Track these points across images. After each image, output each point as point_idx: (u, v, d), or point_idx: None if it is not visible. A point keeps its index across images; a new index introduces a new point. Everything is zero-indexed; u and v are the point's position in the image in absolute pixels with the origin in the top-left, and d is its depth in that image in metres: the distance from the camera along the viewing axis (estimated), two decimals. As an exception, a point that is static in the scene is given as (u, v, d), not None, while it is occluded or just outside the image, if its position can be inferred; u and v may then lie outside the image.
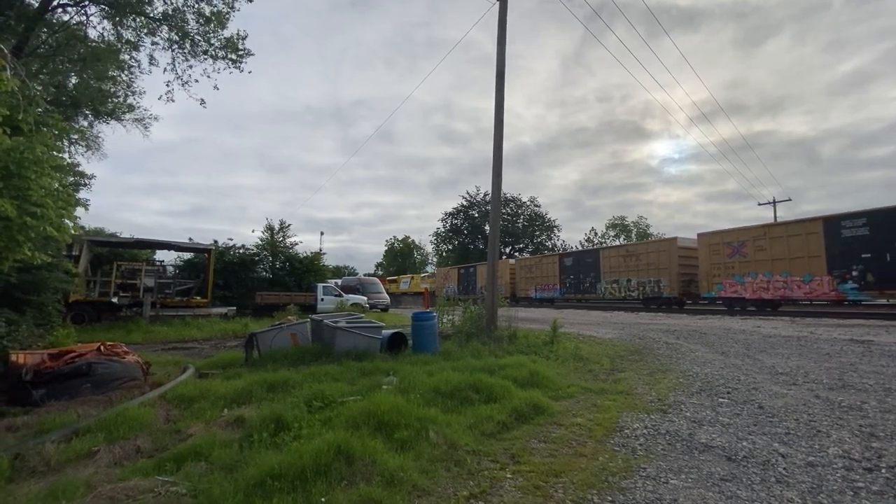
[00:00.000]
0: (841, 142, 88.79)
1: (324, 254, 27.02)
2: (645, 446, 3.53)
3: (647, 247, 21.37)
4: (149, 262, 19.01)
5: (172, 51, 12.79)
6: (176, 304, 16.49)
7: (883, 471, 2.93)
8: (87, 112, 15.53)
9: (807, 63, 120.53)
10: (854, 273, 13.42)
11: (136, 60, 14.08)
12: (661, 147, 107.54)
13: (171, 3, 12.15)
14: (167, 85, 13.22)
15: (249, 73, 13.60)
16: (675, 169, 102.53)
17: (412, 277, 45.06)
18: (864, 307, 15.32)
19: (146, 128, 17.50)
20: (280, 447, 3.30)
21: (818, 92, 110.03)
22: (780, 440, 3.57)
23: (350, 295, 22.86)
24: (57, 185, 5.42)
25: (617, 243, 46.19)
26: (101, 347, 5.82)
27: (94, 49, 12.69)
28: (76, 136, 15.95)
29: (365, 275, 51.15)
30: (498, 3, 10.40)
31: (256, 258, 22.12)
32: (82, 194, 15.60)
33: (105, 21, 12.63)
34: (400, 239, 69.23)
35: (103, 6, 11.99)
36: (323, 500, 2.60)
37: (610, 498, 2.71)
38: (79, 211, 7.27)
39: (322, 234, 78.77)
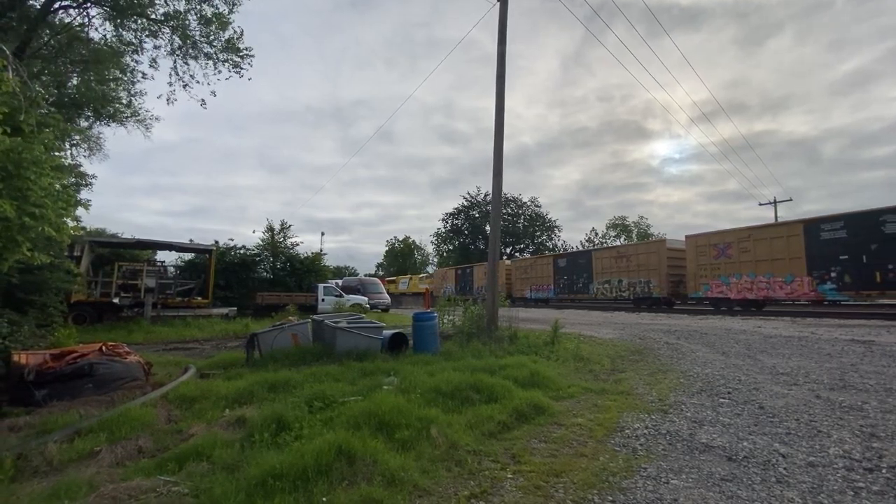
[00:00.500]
0: (842, 141, 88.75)
1: (324, 254, 27.11)
2: (646, 446, 3.54)
3: (637, 248, 22.04)
4: (150, 262, 19.03)
5: (174, 53, 12.83)
6: (177, 304, 16.51)
7: (884, 471, 2.93)
8: (88, 113, 15.56)
9: (808, 62, 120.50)
10: (832, 274, 13.98)
11: (138, 62, 14.13)
12: (662, 147, 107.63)
13: (172, 5, 12.20)
14: (169, 85, 13.28)
15: (250, 79, 13.64)
16: (676, 169, 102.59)
17: (410, 278, 45.53)
18: (864, 307, 15.35)
19: (147, 128, 17.54)
20: (281, 447, 3.31)
21: (819, 91, 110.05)
22: (780, 440, 3.57)
23: (351, 295, 22.87)
24: (58, 186, 5.44)
25: (618, 243, 46.22)
26: (103, 348, 5.83)
27: (95, 51, 12.73)
28: (77, 138, 16.00)
29: (366, 275, 51.21)
30: (498, 3, 10.41)
31: (257, 259, 22.14)
32: (83, 195, 15.69)
33: (107, 23, 12.67)
34: (400, 239, 69.26)
35: (105, 8, 12.02)
36: (324, 499, 2.60)
37: (611, 498, 2.71)
38: (80, 211, 7.30)
39: (323, 234, 78.89)
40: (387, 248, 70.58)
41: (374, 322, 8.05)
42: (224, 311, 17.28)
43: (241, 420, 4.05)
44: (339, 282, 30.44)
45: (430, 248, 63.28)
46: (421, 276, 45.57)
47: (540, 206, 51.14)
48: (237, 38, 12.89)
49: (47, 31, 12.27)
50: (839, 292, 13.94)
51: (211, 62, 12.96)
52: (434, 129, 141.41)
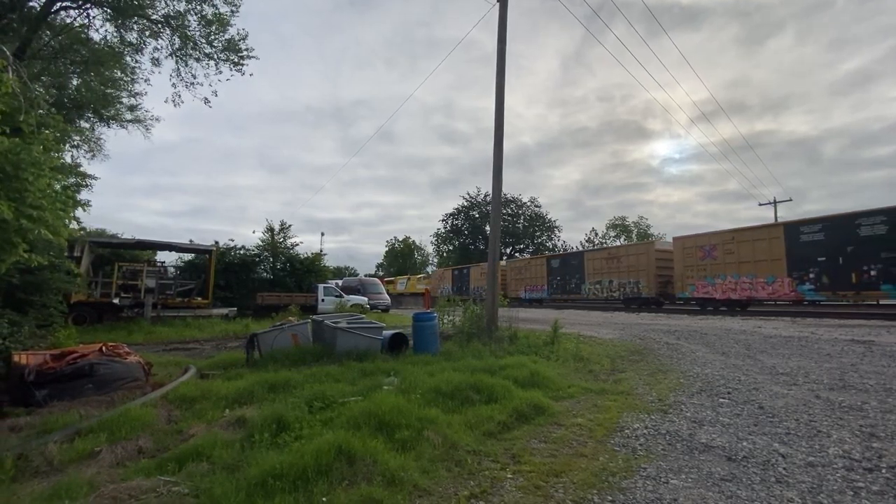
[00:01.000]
0: (842, 141, 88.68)
1: (324, 254, 27.07)
2: (645, 446, 3.54)
3: (627, 250, 22.73)
4: (150, 263, 19.04)
5: (175, 54, 12.84)
6: (177, 304, 16.52)
7: (883, 471, 2.94)
8: (89, 114, 15.58)
9: (809, 62, 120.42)
10: (811, 275, 14.55)
11: (139, 62, 14.15)
12: (662, 147, 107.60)
13: (172, 6, 12.21)
14: (173, 86, 13.31)
15: (251, 75, 13.66)
16: (676, 169, 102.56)
17: (409, 278, 46.13)
18: (864, 307, 15.37)
19: (147, 129, 17.56)
20: (281, 447, 3.32)
21: (820, 91, 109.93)
22: (780, 440, 3.57)
23: (351, 296, 22.87)
24: (57, 187, 5.44)
25: (617, 244, 46.26)
26: (103, 348, 5.83)
27: (96, 51, 12.74)
28: (78, 139, 16.01)
29: (366, 275, 51.21)
30: (498, 3, 10.42)
31: (257, 259, 22.15)
32: (84, 195, 15.60)
33: (108, 23, 12.68)
34: (400, 239, 69.29)
35: (105, 9, 12.03)
36: (324, 499, 2.61)
37: (610, 498, 2.71)
38: (80, 212, 7.27)
39: (322, 234, 78.78)
40: (387, 249, 70.68)
41: (374, 322, 8.06)
42: (224, 311, 17.28)
43: (242, 420, 4.05)
44: (339, 282, 30.45)
45: (430, 249, 63.38)
46: (419, 276, 46.30)
47: (540, 207, 51.22)
48: (239, 40, 12.91)
49: (48, 32, 12.28)
50: (817, 292, 14.50)
51: (212, 62, 12.99)
52: (434, 129, 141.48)
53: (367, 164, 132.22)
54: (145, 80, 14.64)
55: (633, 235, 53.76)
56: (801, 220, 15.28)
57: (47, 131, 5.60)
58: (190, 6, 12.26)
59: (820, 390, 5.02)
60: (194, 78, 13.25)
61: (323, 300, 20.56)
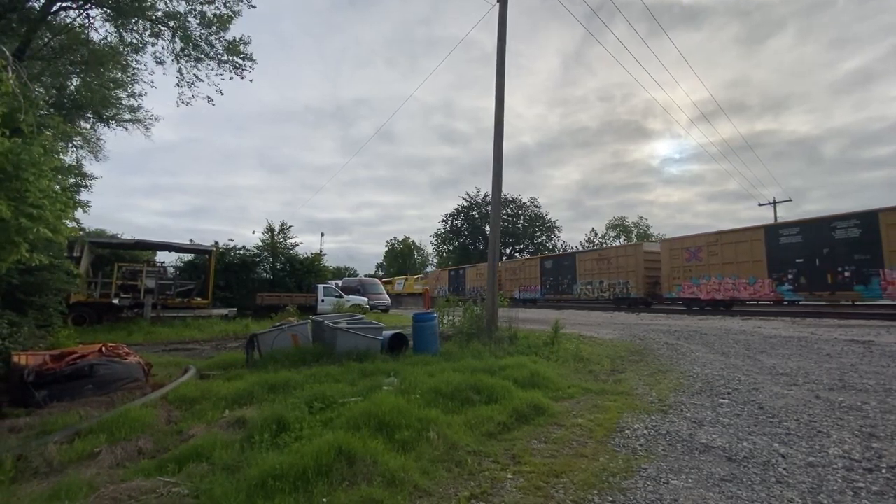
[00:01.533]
0: (843, 141, 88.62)
1: (324, 255, 27.01)
2: (645, 447, 3.54)
3: (616, 251, 23.33)
4: (150, 263, 19.03)
5: (175, 55, 12.85)
6: (177, 305, 16.51)
7: (883, 471, 2.94)
8: (89, 115, 15.57)
9: (810, 61, 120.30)
10: (790, 276, 15.11)
11: (139, 62, 14.14)
12: (663, 147, 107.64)
13: (173, 6, 12.21)
14: (178, 87, 13.31)
15: (251, 81, 13.66)
16: (677, 169, 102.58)
17: (406, 279, 46.83)
18: (865, 307, 15.39)
19: (147, 129, 17.55)
20: (281, 448, 3.32)
21: (821, 91, 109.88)
22: (780, 440, 3.57)
23: (351, 296, 22.87)
24: (57, 187, 5.44)
25: (617, 244, 46.29)
26: (103, 348, 5.83)
27: (96, 52, 12.73)
28: (79, 140, 16.01)
29: (365, 276, 51.25)
30: (498, 3, 10.42)
31: (257, 259, 22.14)
32: (83, 195, 15.68)
33: (108, 24, 12.67)
34: (400, 240, 69.34)
35: (105, 9, 12.02)
36: (324, 500, 2.61)
37: (611, 498, 2.71)
38: (79, 212, 7.29)
39: (322, 234, 78.53)
40: (387, 249, 70.71)
41: (373, 323, 8.06)
42: (224, 311, 17.28)
43: (241, 421, 4.05)
44: (339, 282, 30.45)
45: (429, 249, 63.41)
46: (416, 276, 47.08)
47: (540, 207, 51.26)
48: (240, 43, 12.91)
49: (48, 33, 12.28)
50: (795, 293, 15.05)
51: (214, 63, 12.99)
52: (434, 128, 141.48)
53: (367, 164, 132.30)
54: (149, 83, 14.64)
55: (633, 236, 53.80)
56: (780, 223, 15.92)
57: (47, 132, 5.59)
58: (190, 6, 12.26)
59: (820, 390, 5.02)
60: (196, 77, 13.26)
61: (323, 300, 20.55)
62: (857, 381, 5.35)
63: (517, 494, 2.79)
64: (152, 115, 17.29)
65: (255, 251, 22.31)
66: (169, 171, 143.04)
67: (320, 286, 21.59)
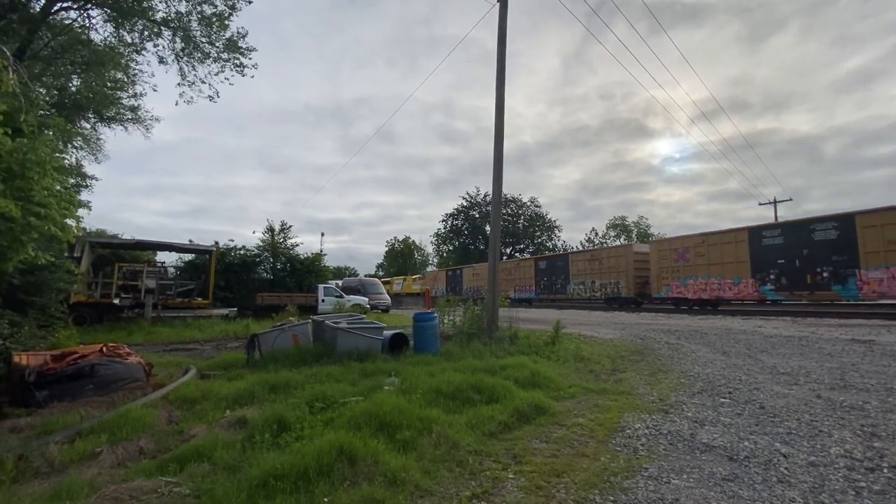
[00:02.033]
0: (844, 140, 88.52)
1: (324, 255, 27.02)
2: (647, 446, 3.54)
3: (608, 252, 23.96)
4: (150, 263, 19.04)
5: (176, 54, 12.85)
6: (177, 305, 16.51)
7: (885, 470, 2.94)
8: (89, 115, 15.57)
9: (812, 59, 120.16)
10: (772, 276, 15.65)
11: (140, 62, 14.15)
12: (663, 146, 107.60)
13: (173, 6, 12.21)
14: (179, 86, 13.31)
15: (252, 77, 13.66)
16: (677, 168, 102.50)
17: (404, 279, 47.36)
18: (865, 307, 15.41)
19: (147, 129, 17.53)
20: (282, 448, 3.32)
21: (822, 89, 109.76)
22: (781, 440, 3.57)
23: (351, 296, 22.86)
24: (58, 187, 5.44)
25: (617, 243, 46.32)
26: (104, 348, 5.83)
27: (96, 52, 12.73)
28: (79, 140, 16.01)
29: (366, 275, 51.29)
30: (498, 3, 10.41)
31: (257, 259, 22.15)
32: (84, 196, 15.66)
33: (108, 24, 12.67)
34: (400, 240, 69.34)
35: (106, 9, 12.02)
36: (326, 500, 2.61)
37: (612, 498, 2.71)
38: (81, 212, 7.30)
39: (323, 234, 78.59)
40: (387, 249, 70.71)
41: (374, 322, 8.05)
42: (224, 311, 17.28)
43: (242, 421, 4.05)
44: (340, 282, 30.44)
45: (430, 249, 63.43)
46: (414, 277, 47.66)
47: (540, 207, 51.27)
48: (239, 38, 12.91)
49: (48, 33, 12.28)
50: (777, 292, 15.59)
51: (214, 62, 13.00)
52: (434, 128, 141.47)
53: (367, 164, 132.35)
54: (149, 83, 14.63)
55: (634, 235, 53.76)
56: (763, 225, 16.33)
57: (48, 132, 5.60)
58: (190, 6, 12.27)
59: (821, 390, 5.02)
60: (196, 77, 13.27)
61: (323, 300, 20.55)
62: (858, 380, 5.34)
63: (518, 494, 2.79)
64: (153, 115, 17.30)
65: (256, 251, 22.32)
66: (169, 171, 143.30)
67: (321, 286, 21.58)
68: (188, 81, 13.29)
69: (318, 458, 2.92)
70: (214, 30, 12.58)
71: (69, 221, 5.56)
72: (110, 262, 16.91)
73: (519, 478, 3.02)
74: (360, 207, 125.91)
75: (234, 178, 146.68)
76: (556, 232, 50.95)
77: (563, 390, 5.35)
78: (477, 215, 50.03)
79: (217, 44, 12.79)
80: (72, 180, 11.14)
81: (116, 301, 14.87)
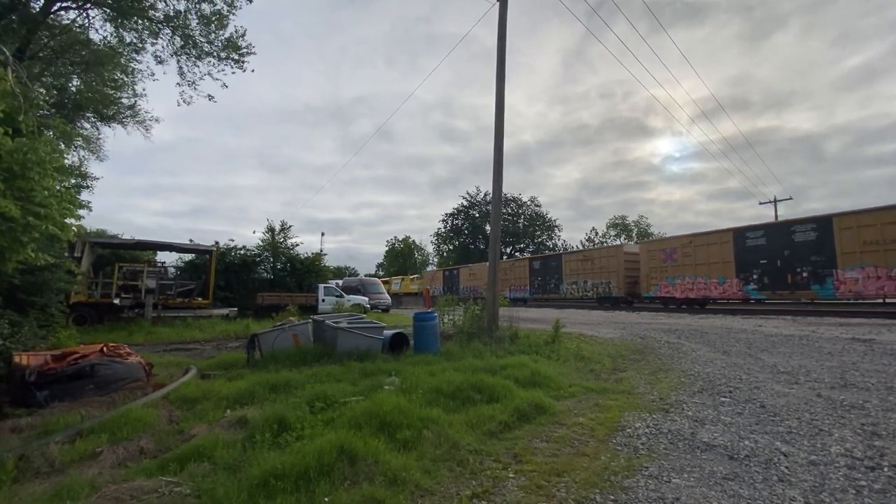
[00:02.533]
0: (846, 139, 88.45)
1: (325, 254, 27.04)
2: (647, 445, 3.54)
3: (600, 252, 24.54)
4: (150, 263, 19.04)
5: (175, 54, 12.85)
6: (177, 305, 16.52)
7: (885, 469, 2.94)
8: (89, 115, 15.57)
9: (813, 57, 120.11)
10: (755, 276, 16.15)
11: (139, 62, 14.14)
12: (664, 145, 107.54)
13: (172, 5, 12.20)
14: (178, 86, 13.32)
15: (252, 71, 13.65)
16: (678, 167, 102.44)
17: (402, 279, 48.04)
18: (865, 306, 15.43)
19: (147, 129, 17.52)
20: (283, 447, 3.32)
21: (824, 87, 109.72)
22: (782, 439, 3.57)
23: (351, 295, 22.87)
24: (58, 188, 5.44)
25: (617, 243, 46.36)
26: (104, 348, 5.83)
27: (96, 52, 12.73)
28: (79, 140, 16.01)
29: (366, 275, 51.36)
30: (498, 2, 10.40)
31: (257, 259, 22.15)
32: (84, 196, 15.65)
33: (107, 24, 12.66)
34: (400, 239, 69.35)
35: (105, 9, 12.02)
36: (326, 499, 2.61)
37: (612, 497, 2.71)
38: (81, 212, 7.28)
39: (323, 234, 78.76)
40: (387, 249, 70.72)
41: (374, 322, 8.05)
42: (224, 311, 17.28)
43: (243, 420, 4.06)
44: (340, 282, 30.45)
45: (430, 249, 63.44)
46: (412, 277, 48.38)
47: (540, 206, 51.27)
48: (238, 38, 12.91)
49: (47, 33, 12.27)
50: (759, 292, 16.09)
51: (213, 60, 13.00)
52: (434, 127, 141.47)
53: (367, 164, 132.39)
54: (150, 77, 14.61)
55: (634, 235, 53.74)
56: (747, 227, 16.74)
57: (48, 132, 5.60)
58: (190, 5, 12.26)
59: (821, 389, 5.02)
60: (197, 76, 13.27)
61: (323, 300, 20.56)
62: (858, 379, 5.34)
63: (519, 493, 2.79)
64: (152, 115, 17.29)
65: (256, 251, 22.33)
66: (169, 171, 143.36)
67: (321, 286, 21.59)
68: (188, 80, 13.30)
69: (319, 458, 2.92)
70: (213, 28, 12.58)
71: (69, 221, 5.56)
72: (110, 262, 16.92)
73: (519, 477, 3.02)
74: (360, 207, 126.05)
75: (233, 178, 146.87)
76: (557, 231, 51.01)
77: (563, 390, 5.35)
78: (477, 215, 50.03)
79: (216, 43, 12.79)
80: (72, 180, 11.14)
81: (117, 301, 14.88)
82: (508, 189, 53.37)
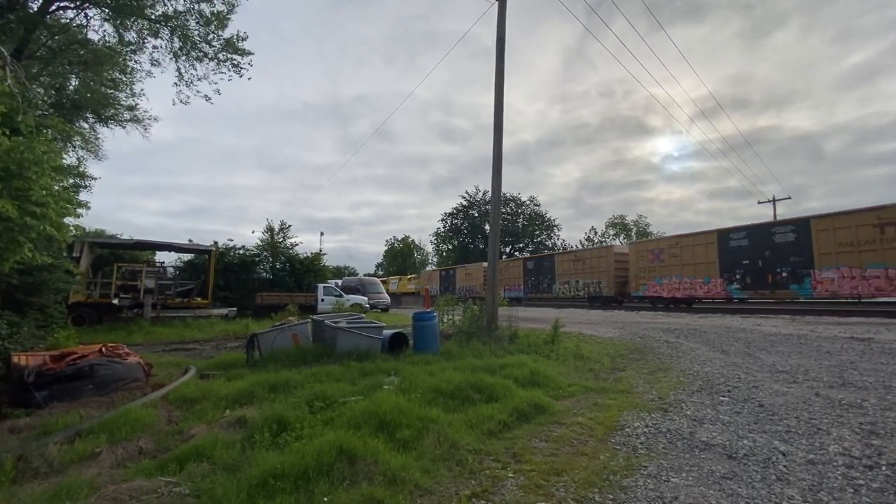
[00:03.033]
0: (846, 137, 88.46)
1: (324, 254, 27.01)
2: (646, 445, 3.55)
3: (590, 253, 25.16)
4: (149, 263, 19.02)
5: (174, 54, 12.82)
6: (177, 305, 16.50)
7: (883, 468, 2.94)
8: (88, 115, 15.54)
9: (814, 56, 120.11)
10: (737, 276, 16.68)
11: (138, 62, 14.11)
12: (664, 144, 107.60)
13: (171, 5, 12.18)
14: (176, 86, 13.29)
15: (249, 79, 13.64)
16: (678, 166, 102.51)
17: (400, 279, 48.64)
18: (863, 305, 15.47)
19: (146, 129, 17.50)
20: (282, 447, 3.32)
21: (824, 86, 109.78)
22: (780, 438, 3.58)
23: (351, 295, 22.87)
24: (56, 188, 5.43)
25: (616, 242, 46.41)
26: (103, 349, 5.83)
27: (94, 52, 12.70)
28: (78, 140, 15.97)
29: (365, 275, 51.36)
30: (497, 1, 10.40)
31: (257, 259, 22.14)
32: (82, 196, 15.63)
33: (106, 24, 12.64)
34: (400, 239, 69.34)
35: (104, 9, 11.99)
36: (325, 499, 2.61)
37: (611, 496, 2.72)
38: (80, 211, 7.25)
39: (322, 234, 78.63)
40: (386, 248, 70.72)
41: (374, 322, 8.05)
42: (224, 311, 17.27)
43: (242, 420, 4.05)
44: (339, 282, 30.46)
45: (429, 248, 63.45)
46: (409, 276, 48.92)
47: (539, 206, 51.29)
48: (238, 40, 12.89)
49: (45, 33, 12.24)
50: (742, 291, 16.59)
51: (213, 62, 12.98)
52: (433, 126, 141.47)
53: (366, 163, 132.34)
54: (148, 77, 14.59)
55: (633, 234, 53.76)
56: (730, 228, 17.27)
57: (46, 132, 5.58)
58: (189, 5, 12.24)
59: (820, 388, 5.03)
60: (194, 75, 13.25)
61: (323, 300, 20.56)
62: (856, 378, 5.36)
63: (518, 493, 2.79)
64: (151, 115, 17.27)
65: (255, 251, 22.32)
66: (168, 171, 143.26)
67: (320, 285, 21.59)
68: (186, 81, 13.28)
69: (318, 458, 2.92)
70: (212, 28, 12.56)
71: (68, 220, 5.55)
72: (109, 262, 16.89)
73: (518, 476, 3.02)
74: (359, 207, 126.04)
75: (233, 178, 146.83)
76: (556, 231, 51.02)
77: (562, 389, 5.35)
78: (476, 214, 50.04)
79: (215, 43, 12.77)
80: (71, 180, 11.12)
81: (116, 301, 14.86)
82: (508, 188, 53.48)
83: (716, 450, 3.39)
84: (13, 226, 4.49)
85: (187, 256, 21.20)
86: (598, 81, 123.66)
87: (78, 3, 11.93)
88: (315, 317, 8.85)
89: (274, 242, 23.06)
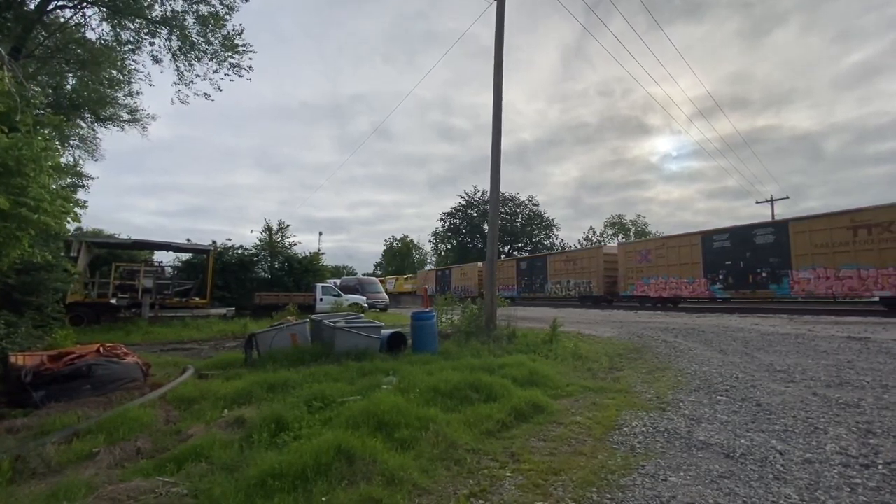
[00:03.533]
0: (846, 137, 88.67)
1: (322, 254, 26.95)
2: (644, 444, 3.55)
3: (581, 253, 25.93)
4: (147, 263, 18.98)
5: (173, 54, 12.80)
6: (175, 304, 16.47)
7: (880, 467, 2.96)
8: (86, 114, 15.50)
9: (813, 55, 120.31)
10: (720, 276, 17.34)
11: (136, 62, 14.08)
12: (663, 143, 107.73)
13: (169, 5, 12.15)
14: (174, 84, 13.28)
15: (249, 80, 13.63)
16: (677, 166, 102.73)
17: (396, 279, 49.19)
18: (862, 305, 15.55)
19: (144, 128, 17.46)
20: (280, 447, 3.31)
21: (824, 85, 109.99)
22: (777, 437, 3.59)
23: (349, 295, 22.86)
24: (53, 187, 5.41)
25: (615, 242, 46.46)
26: (101, 349, 5.81)
27: (92, 51, 12.67)
28: (76, 140, 15.95)
29: (364, 275, 51.38)
30: (496, 1, 10.40)
31: (255, 259, 22.09)
32: (80, 195, 15.59)
33: (104, 23, 12.61)
34: (399, 238, 69.35)
35: (102, 8, 11.96)
36: (324, 499, 2.61)
37: (609, 495, 2.72)
38: (78, 211, 7.22)
39: (321, 234, 78.85)
40: (385, 248, 70.72)
41: (372, 322, 8.05)
42: (222, 311, 17.24)
43: (240, 420, 4.05)
44: (338, 281, 30.44)
45: (428, 248, 63.47)
46: (406, 276, 49.55)
47: (538, 205, 51.34)
48: (235, 36, 12.87)
49: (43, 32, 12.21)
50: (724, 291, 17.23)
51: (213, 61, 12.97)
52: (432, 125, 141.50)
53: (365, 163, 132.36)
54: (147, 77, 14.58)
55: (631, 234, 53.84)
56: (714, 230, 18.04)
57: (44, 130, 5.57)
58: (187, 5, 12.21)
59: (817, 387, 5.05)
60: (193, 76, 13.24)
61: (321, 299, 20.53)
62: (853, 377, 5.38)
63: (516, 492, 2.80)
64: (149, 114, 17.23)
65: (254, 250, 22.26)
66: (166, 171, 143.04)
67: (319, 285, 21.56)
68: (185, 81, 13.26)
69: (317, 458, 2.92)
70: (211, 28, 12.54)
71: (68, 217, 5.53)
72: (107, 262, 16.85)
73: (517, 476, 3.03)
74: (358, 206, 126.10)
75: (231, 178, 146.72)
76: (555, 231, 51.07)
77: (561, 389, 5.36)
78: (475, 214, 50.06)
79: (214, 44, 12.75)
80: (69, 179, 11.09)
81: (114, 301, 14.83)
82: (507, 187, 53.53)
83: (713, 449, 3.40)
84: (10, 223, 4.48)
85: (185, 256, 21.16)
86: (597, 80, 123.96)
87: (76, 3, 11.90)
88: (313, 316, 8.84)
89: (272, 242, 23.01)
